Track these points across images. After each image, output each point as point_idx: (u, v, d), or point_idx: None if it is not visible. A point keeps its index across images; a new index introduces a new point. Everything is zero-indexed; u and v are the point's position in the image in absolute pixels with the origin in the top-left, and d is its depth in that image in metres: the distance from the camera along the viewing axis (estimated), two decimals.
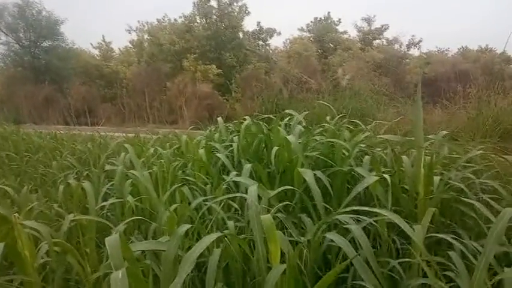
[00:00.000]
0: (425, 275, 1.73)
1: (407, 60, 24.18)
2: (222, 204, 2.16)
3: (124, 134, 7.72)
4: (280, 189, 2.19)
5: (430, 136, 3.16)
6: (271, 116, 4.07)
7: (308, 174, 2.28)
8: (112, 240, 1.26)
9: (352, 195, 2.19)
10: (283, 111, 4.38)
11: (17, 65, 25.75)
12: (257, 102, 11.97)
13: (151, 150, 4.08)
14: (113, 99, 22.75)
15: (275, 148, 2.73)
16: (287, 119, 3.88)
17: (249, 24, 27.96)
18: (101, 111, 20.48)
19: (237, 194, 2.17)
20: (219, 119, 4.36)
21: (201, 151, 3.19)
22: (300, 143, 2.89)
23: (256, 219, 1.49)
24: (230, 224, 1.77)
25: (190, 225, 1.62)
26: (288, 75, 15.92)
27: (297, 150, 2.68)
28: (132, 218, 2.12)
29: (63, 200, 3.03)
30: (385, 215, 1.82)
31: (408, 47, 25.13)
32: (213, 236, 1.42)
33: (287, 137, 2.79)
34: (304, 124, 3.84)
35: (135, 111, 20.56)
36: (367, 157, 2.69)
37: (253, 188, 1.71)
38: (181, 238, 1.49)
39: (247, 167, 2.69)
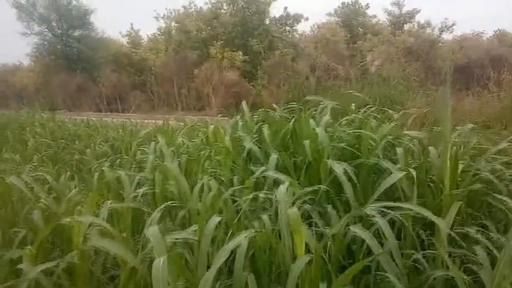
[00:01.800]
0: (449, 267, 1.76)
1: (440, 44, 23.39)
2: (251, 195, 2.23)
3: (154, 121, 7.90)
4: (309, 189, 2.23)
5: (457, 128, 3.10)
6: (297, 105, 4.08)
7: (337, 167, 2.32)
8: (153, 231, 1.39)
9: (381, 190, 2.21)
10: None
11: (50, 54, 26.60)
12: (283, 90, 11.94)
13: (180, 139, 4.19)
14: (142, 87, 23.20)
15: (306, 142, 2.76)
16: (314, 109, 3.88)
17: (275, 10, 27.72)
18: (131, 98, 20.94)
19: (267, 193, 2.21)
20: (244, 105, 4.30)
21: (227, 141, 3.25)
22: (326, 133, 2.91)
23: (284, 215, 1.55)
24: (265, 218, 1.84)
25: (221, 217, 1.69)
26: (315, 62, 15.75)
27: (324, 142, 2.70)
28: (164, 204, 2.22)
29: (98, 186, 3.19)
30: (411, 209, 1.85)
31: (441, 31, 24.30)
32: (246, 233, 1.50)
33: (315, 129, 2.81)
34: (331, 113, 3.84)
35: (164, 98, 20.91)
36: (399, 149, 2.66)
37: (283, 188, 1.77)
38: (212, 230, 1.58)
39: (273, 158, 2.73)
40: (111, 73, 23.94)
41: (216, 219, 1.63)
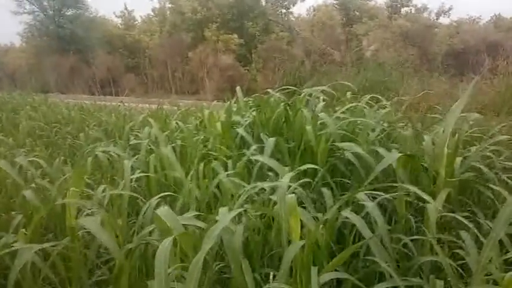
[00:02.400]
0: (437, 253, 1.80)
1: (436, 29, 23.28)
2: (243, 178, 2.25)
3: (148, 105, 7.86)
4: (304, 167, 2.25)
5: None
6: (292, 89, 4.07)
7: (349, 147, 2.35)
8: (165, 212, 1.46)
9: (374, 174, 2.24)
10: (305, 84, 4.38)
11: (42, 34, 26.16)
12: (278, 75, 11.89)
13: (174, 123, 4.18)
14: (136, 69, 22.97)
15: (309, 127, 2.76)
16: (307, 94, 3.88)
17: None
18: (125, 82, 20.75)
19: (269, 184, 2.23)
20: (238, 89, 4.30)
21: (219, 125, 3.26)
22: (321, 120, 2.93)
23: (283, 201, 1.58)
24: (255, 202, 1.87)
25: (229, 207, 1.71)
26: (310, 47, 15.66)
27: (331, 126, 2.72)
28: (161, 195, 2.25)
29: (92, 171, 3.19)
30: (405, 189, 1.88)
31: (437, 15, 24.13)
32: (233, 213, 1.52)
33: (319, 116, 2.81)
34: (325, 98, 3.85)
35: (157, 81, 20.75)
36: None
37: (287, 178, 1.79)
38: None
39: (270, 142, 2.73)
40: (105, 55, 23.63)
41: (225, 210, 1.65)
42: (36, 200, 2.20)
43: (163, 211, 1.46)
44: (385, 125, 3.13)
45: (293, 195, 1.59)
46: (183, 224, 1.53)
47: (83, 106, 8.14)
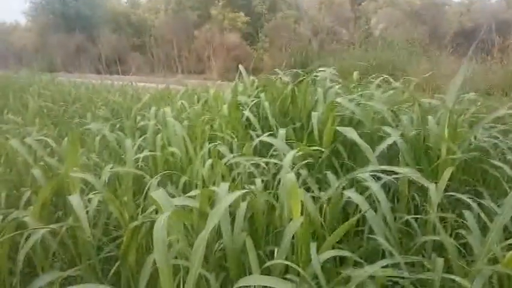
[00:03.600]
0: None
1: (447, 7, 22.75)
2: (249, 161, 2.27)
3: (154, 85, 7.86)
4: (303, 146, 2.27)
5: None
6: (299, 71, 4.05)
7: (350, 133, 2.36)
8: (159, 193, 1.47)
9: (378, 151, 2.25)
10: (312, 63, 4.34)
11: (47, 13, 26.01)
12: (285, 54, 11.77)
13: (180, 103, 4.19)
14: (141, 48, 22.84)
15: (315, 114, 2.76)
16: (315, 74, 3.86)
17: None
18: (131, 60, 20.67)
19: (272, 161, 2.25)
20: (242, 69, 4.24)
21: (225, 107, 3.26)
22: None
23: (286, 180, 1.60)
24: (258, 181, 1.89)
25: (228, 184, 1.74)
26: (318, 25, 15.42)
27: (349, 106, 2.72)
28: (165, 172, 2.28)
29: (100, 150, 3.23)
30: (404, 173, 1.90)
31: None
32: (238, 192, 1.55)
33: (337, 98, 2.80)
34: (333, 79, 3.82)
35: (163, 60, 20.63)
36: (403, 117, 2.67)
37: (290, 155, 1.81)
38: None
39: (281, 133, 2.71)
40: (110, 34, 23.49)
41: (225, 185, 1.69)
42: (45, 177, 2.25)
43: (158, 193, 1.48)
44: (392, 105, 3.11)
45: (292, 174, 1.61)
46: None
47: (89, 85, 8.16)
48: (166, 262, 1.14)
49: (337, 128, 2.46)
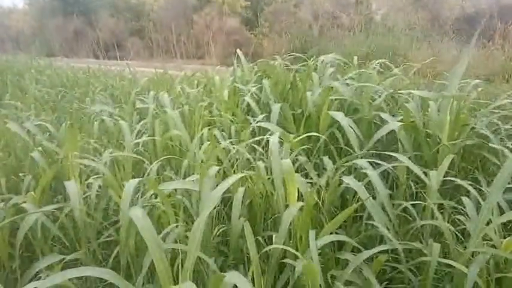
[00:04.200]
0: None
1: None
2: (247, 146, 2.27)
3: (153, 70, 7.80)
4: (303, 135, 2.27)
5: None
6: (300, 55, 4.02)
7: (339, 116, 2.35)
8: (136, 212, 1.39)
9: (376, 138, 2.26)
10: (312, 48, 4.31)
11: None
12: (285, 39, 11.67)
13: (179, 88, 4.17)
14: (140, 33, 22.59)
15: (309, 93, 2.75)
16: (315, 59, 3.83)
17: None
18: (129, 45, 20.47)
19: (264, 136, 2.25)
20: (241, 55, 4.24)
21: (225, 93, 3.25)
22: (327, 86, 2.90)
23: (277, 163, 1.60)
24: (259, 164, 1.90)
25: (219, 167, 1.75)
26: (318, 10, 15.24)
27: (345, 93, 2.70)
28: (164, 158, 2.28)
29: (99, 135, 3.23)
30: (402, 161, 1.90)
31: None
32: (237, 176, 1.55)
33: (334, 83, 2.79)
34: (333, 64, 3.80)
35: (162, 45, 20.42)
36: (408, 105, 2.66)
37: (275, 137, 1.81)
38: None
39: (276, 108, 2.73)
40: (109, 18, 23.21)
41: (214, 168, 1.69)
42: (44, 162, 2.25)
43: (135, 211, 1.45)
44: (391, 91, 3.10)
45: (288, 159, 1.61)
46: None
47: (88, 70, 8.10)
48: (158, 247, 1.14)
49: (328, 112, 2.46)
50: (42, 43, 21.69)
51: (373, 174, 1.76)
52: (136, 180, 1.60)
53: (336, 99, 2.82)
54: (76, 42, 21.71)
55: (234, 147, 2.16)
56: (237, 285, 1.06)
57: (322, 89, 2.80)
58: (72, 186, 1.69)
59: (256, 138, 2.21)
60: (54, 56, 16.67)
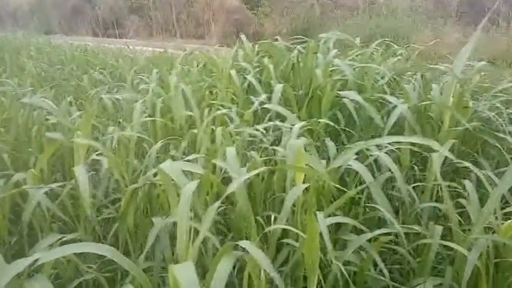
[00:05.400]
0: (437, 201, 1.83)
1: None
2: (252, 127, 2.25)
3: (152, 49, 7.73)
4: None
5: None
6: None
7: (351, 95, 2.33)
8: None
9: (390, 124, 2.22)
10: (314, 29, 4.26)
11: None
12: (286, 19, 11.50)
13: (179, 67, 4.12)
14: (139, 11, 22.25)
15: (318, 71, 2.71)
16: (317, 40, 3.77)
17: None
18: (129, 24, 20.20)
19: (276, 123, 2.24)
20: (243, 37, 4.25)
21: (232, 72, 3.21)
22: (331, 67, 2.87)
23: (293, 145, 1.60)
24: (278, 149, 1.89)
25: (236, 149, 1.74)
26: None
27: (349, 74, 2.67)
28: (168, 138, 2.26)
29: (98, 113, 3.20)
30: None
31: None
32: (262, 169, 1.55)
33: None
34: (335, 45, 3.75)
35: (162, 24, 20.16)
36: (407, 86, 2.63)
37: (298, 127, 1.80)
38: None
39: (278, 88, 2.69)
40: None
41: (232, 149, 1.69)
42: (44, 140, 2.24)
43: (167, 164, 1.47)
44: (394, 73, 3.07)
45: (300, 140, 1.61)
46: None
47: (87, 48, 8.01)
48: (186, 225, 1.15)
49: (339, 92, 2.43)
50: (40, 20, 21.39)
51: (382, 155, 1.75)
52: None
53: (339, 80, 2.78)
54: (75, 19, 21.41)
55: (243, 130, 2.15)
56: (248, 250, 1.14)
57: (326, 66, 2.77)
58: (81, 170, 1.67)
59: (271, 124, 2.18)
60: (53, 34, 16.45)
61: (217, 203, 1.22)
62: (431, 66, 3.46)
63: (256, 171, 1.46)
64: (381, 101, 2.68)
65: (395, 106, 2.32)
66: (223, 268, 1.07)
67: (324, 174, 1.57)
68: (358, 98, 2.30)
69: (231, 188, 1.31)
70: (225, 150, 1.69)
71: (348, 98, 2.47)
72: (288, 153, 1.62)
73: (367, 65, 2.90)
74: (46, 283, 1.00)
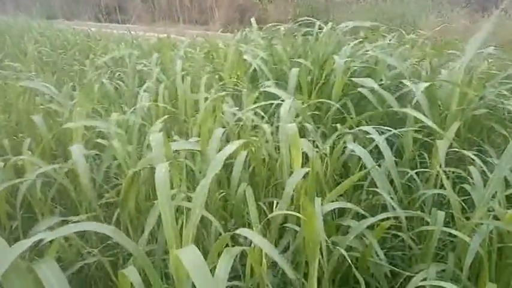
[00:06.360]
0: (441, 188, 1.81)
1: None
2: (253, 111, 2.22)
3: (155, 34, 7.67)
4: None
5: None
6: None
7: (368, 82, 2.30)
8: (156, 137, 1.42)
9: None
10: (319, 15, 4.21)
11: None
12: (291, 5, 11.36)
13: (182, 52, 4.08)
14: None
15: (337, 57, 2.66)
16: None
17: None
18: (131, 9, 20.03)
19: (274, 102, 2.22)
20: (253, 21, 4.22)
21: (231, 58, 3.17)
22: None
23: (284, 127, 1.58)
24: (265, 127, 1.87)
25: (224, 129, 1.73)
26: None
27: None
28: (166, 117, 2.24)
29: (100, 98, 3.18)
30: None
31: None
32: (240, 141, 1.52)
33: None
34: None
35: (165, 9, 19.98)
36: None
37: (287, 104, 1.78)
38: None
39: (294, 72, 2.64)
40: None
41: (220, 130, 1.67)
42: (45, 124, 2.23)
43: (155, 136, 1.44)
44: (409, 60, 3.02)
45: (294, 124, 1.58)
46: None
47: (89, 33, 7.95)
48: (169, 205, 1.13)
49: (354, 79, 2.39)
50: (43, 4, 21.23)
51: (380, 139, 1.73)
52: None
53: (350, 68, 2.74)
54: (77, 4, 21.25)
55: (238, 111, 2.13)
56: (248, 237, 1.16)
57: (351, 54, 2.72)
58: (77, 150, 1.67)
59: (264, 103, 2.16)
60: (55, 19, 16.35)
61: (208, 180, 1.19)
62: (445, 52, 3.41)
63: (233, 147, 1.43)
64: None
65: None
66: (226, 259, 1.05)
67: (315, 158, 1.54)
68: (375, 85, 2.26)
69: (211, 169, 1.29)
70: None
71: (362, 86, 2.42)
72: (281, 136, 1.61)
73: (380, 55, 2.81)
74: (53, 264, 0.99)
